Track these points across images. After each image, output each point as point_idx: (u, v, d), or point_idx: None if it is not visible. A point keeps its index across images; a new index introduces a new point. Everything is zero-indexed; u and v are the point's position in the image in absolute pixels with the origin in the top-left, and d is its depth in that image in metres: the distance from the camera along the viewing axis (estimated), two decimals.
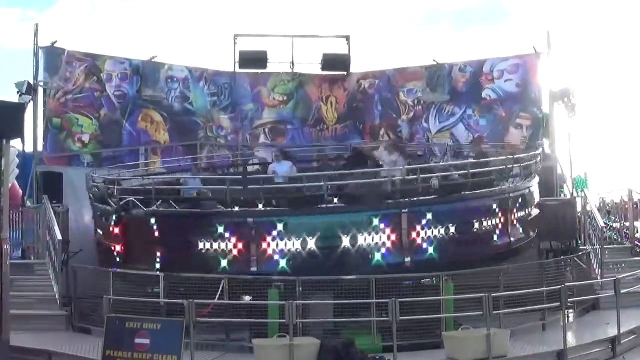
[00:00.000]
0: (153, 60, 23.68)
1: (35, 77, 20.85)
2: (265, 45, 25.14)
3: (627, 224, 20.59)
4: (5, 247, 12.41)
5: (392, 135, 24.83)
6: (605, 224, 19.45)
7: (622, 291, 14.39)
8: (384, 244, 14.81)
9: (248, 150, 24.47)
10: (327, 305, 13.96)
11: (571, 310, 15.52)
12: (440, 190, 15.73)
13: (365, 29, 49.48)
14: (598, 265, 17.68)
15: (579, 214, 19.54)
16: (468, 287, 14.15)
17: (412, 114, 24.76)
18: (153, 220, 15.38)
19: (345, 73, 25.66)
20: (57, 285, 16.08)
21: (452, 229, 15.22)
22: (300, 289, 13.77)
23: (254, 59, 24.92)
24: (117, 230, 16.13)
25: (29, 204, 19.55)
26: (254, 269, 14.69)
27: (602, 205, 21.75)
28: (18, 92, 19.91)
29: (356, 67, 25.76)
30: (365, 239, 14.72)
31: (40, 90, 21.03)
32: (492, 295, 12.86)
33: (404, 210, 14.91)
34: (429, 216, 15.08)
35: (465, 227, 15.47)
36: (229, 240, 14.80)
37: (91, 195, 17.87)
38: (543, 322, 14.88)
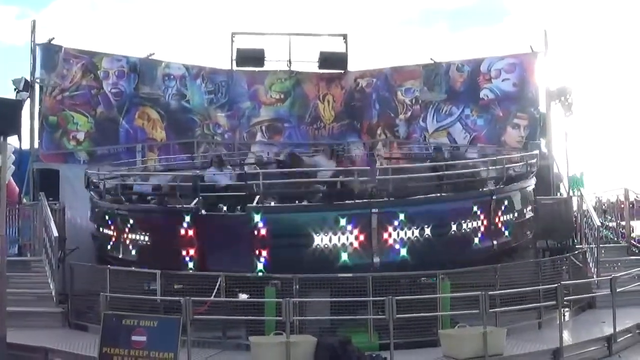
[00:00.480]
0: (150, 57, 23.70)
1: (32, 73, 20.82)
2: (263, 43, 25.17)
3: (623, 223, 20.65)
4: (2, 244, 12.41)
5: (389, 134, 24.87)
6: (601, 222, 19.49)
7: (617, 290, 14.40)
8: (479, 228, 15.69)
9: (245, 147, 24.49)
10: (324, 303, 13.94)
11: (567, 309, 15.54)
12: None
13: (362, 28, 49.63)
14: (594, 263, 17.73)
15: (575, 213, 19.57)
16: (464, 285, 14.18)
17: (409, 113, 24.80)
18: (258, 217, 14.64)
19: (342, 71, 25.67)
20: (53, 282, 16.07)
21: (516, 214, 16.80)
22: (297, 286, 13.77)
23: (251, 57, 24.93)
24: (191, 233, 15.04)
25: (25, 201, 19.53)
26: (376, 259, 14.77)
27: (598, 204, 21.81)
28: (15, 89, 19.88)
29: (353, 66, 25.82)
30: (467, 225, 15.51)
31: (37, 87, 20.98)
32: (489, 293, 12.85)
33: (493, 197, 15.80)
34: (506, 202, 16.26)
35: (520, 214, 17.05)
36: (350, 233, 14.70)
37: (122, 197, 16.93)
38: (539, 320, 14.88)
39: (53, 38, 21.39)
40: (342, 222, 14.64)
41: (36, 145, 20.94)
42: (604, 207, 22.23)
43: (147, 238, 16.03)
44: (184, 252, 15.10)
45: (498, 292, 13.82)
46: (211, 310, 13.53)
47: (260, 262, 14.55)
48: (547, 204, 18.74)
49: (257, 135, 25.16)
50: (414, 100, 24.76)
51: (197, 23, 50.75)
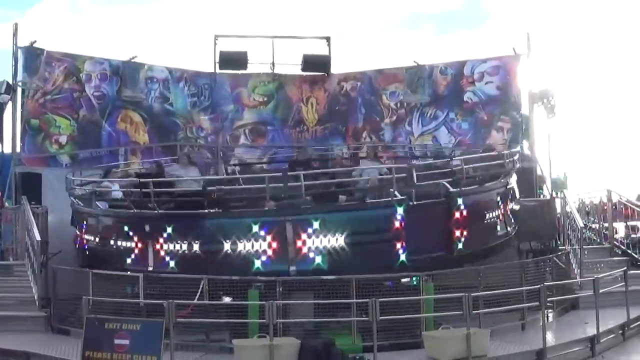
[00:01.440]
0: (133, 60, 23.57)
1: (14, 76, 20.70)
2: (246, 45, 25.10)
3: (606, 224, 20.72)
4: None
5: (374, 138, 24.87)
6: (584, 224, 19.56)
7: (600, 291, 14.45)
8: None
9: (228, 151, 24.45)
10: (307, 305, 13.94)
11: (550, 310, 15.57)
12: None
13: (347, 31, 49.64)
14: (577, 265, 17.73)
15: (558, 215, 19.64)
16: (448, 287, 14.19)
17: (395, 117, 24.80)
18: (460, 201, 15.40)
19: (325, 74, 25.62)
20: (36, 287, 15.93)
21: None
22: (280, 289, 13.75)
23: (234, 60, 24.82)
24: (403, 224, 14.62)
25: (7, 204, 19.39)
26: (509, 228, 17.30)
27: (581, 205, 21.87)
28: None
29: (337, 69, 25.71)
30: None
31: (19, 90, 20.87)
32: (472, 294, 12.86)
33: None
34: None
35: None
36: (502, 209, 16.89)
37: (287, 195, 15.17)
38: (522, 321, 14.91)
39: (35, 41, 21.26)
40: (497, 198, 16.79)
41: (18, 149, 20.80)
42: (587, 208, 22.28)
43: (343, 241, 14.62)
44: (398, 245, 14.72)
45: (481, 293, 13.87)
46: (194, 313, 13.50)
47: (460, 242, 15.38)
48: (530, 206, 18.80)
49: (240, 138, 25.07)
50: (398, 104, 24.78)
51: (179, 26, 50.65)
